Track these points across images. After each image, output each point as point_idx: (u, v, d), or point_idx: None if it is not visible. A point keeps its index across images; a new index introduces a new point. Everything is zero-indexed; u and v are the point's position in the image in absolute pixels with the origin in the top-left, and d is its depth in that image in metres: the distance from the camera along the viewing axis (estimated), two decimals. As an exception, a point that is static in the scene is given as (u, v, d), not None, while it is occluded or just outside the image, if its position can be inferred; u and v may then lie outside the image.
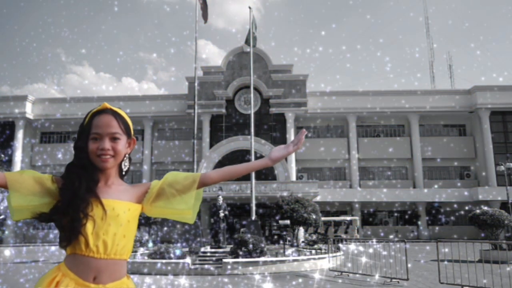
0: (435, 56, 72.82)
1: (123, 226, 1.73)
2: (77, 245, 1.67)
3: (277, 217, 21.32)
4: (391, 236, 34.78)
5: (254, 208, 19.83)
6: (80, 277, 1.66)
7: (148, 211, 1.85)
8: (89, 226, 1.66)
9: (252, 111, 22.08)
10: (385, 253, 11.94)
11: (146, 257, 14.27)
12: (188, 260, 13.46)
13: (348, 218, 34.41)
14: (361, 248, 15.97)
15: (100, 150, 1.73)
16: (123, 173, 1.88)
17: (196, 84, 21.38)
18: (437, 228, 36.87)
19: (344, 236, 29.85)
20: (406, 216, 38.96)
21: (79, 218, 1.65)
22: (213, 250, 15.43)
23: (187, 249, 14.79)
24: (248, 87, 34.02)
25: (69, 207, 1.66)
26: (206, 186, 1.89)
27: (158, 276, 12.40)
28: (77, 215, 1.65)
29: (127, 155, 1.86)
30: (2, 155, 34.52)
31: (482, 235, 16.06)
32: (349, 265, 12.48)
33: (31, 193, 1.68)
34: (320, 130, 40.90)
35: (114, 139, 1.76)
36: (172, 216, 1.87)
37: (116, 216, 1.71)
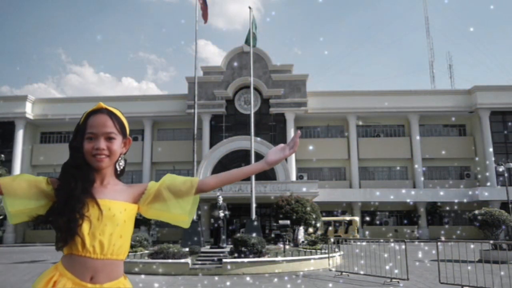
0: (435, 56, 72.81)
1: (119, 226, 1.73)
2: (74, 246, 1.67)
3: (277, 217, 21.34)
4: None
5: (254, 208, 19.82)
6: (77, 277, 1.66)
7: (144, 212, 1.87)
8: (85, 227, 1.66)
9: (252, 111, 22.08)
10: (385, 253, 11.93)
11: (146, 257, 14.26)
12: (188, 260, 13.46)
13: (348, 218, 34.40)
14: (361, 248, 15.95)
15: (95, 150, 1.73)
16: (118, 173, 1.88)
17: (196, 84, 21.38)
18: (437, 228, 36.85)
19: (344, 236, 29.84)
20: (406, 216, 38.96)
21: (75, 219, 1.65)
22: (213, 250, 15.43)
23: (187, 249, 14.78)
24: (248, 87, 34.00)
25: (65, 208, 1.66)
26: (203, 192, 1.89)
27: (158, 276, 12.40)
28: (73, 216, 1.65)
29: (122, 155, 1.86)
30: (2, 155, 34.50)
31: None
32: (349, 265, 12.48)
33: (27, 196, 1.68)
34: (320, 130, 40.89)
35: (109, 138, 1.76)
36: (168, 219, 1.88)
37: (112, 216, 1.71)
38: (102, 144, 1.74)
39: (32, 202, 1.68)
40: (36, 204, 1.69)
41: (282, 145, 1.93)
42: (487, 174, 37.05)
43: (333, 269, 12.90)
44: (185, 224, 1.88)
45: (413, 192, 37.12)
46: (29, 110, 39.67)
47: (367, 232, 36.38)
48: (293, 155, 37.10)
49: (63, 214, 1.65)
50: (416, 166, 38.36)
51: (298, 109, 37.75)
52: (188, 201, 1.85)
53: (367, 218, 38.40)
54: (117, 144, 1.79)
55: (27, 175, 1.73)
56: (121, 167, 1.88)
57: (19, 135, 39.27)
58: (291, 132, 37.66)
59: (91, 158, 1.74)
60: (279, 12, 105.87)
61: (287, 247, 16.07)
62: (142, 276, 12.45)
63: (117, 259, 1.74)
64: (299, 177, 38.20)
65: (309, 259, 14.17)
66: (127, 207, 1.78)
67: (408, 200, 36.74)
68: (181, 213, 1.84)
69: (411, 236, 35.79)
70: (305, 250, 16.39)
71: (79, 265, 1.67)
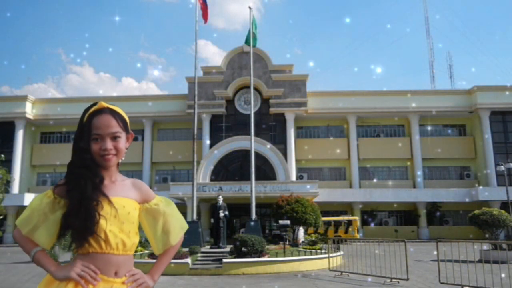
0: (435, 56, 72.79)
1: (134, 224, 1.80)
2: (95, 244, 1.70)
3: (277, 217, 21.32)
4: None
5: (254, 208, 19.81)
6: (104, 274, 1.70)
7: None
8: (103, 224, 1.70)
9: (252, 111, 22.08)
10: (385, 253, 11.93)
11: (146, 257, 14.26)
12: (188, 260, 13.46)
13: (348, 218, 34.39)
14: (361, 248, 15.95)
15: (102, 151, 1.78)
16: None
17: (196, 84, 21.37)
18: (437, 228, 36.84)
19: (344, 236, 29.82)
20: (406, 216, 38.93)
21: (92, 218, 1.69)
22: (213, 250, 15.42)
23: (187, 249, 14.78)
24: (248, 87, 33.99)
25: (80, 208, 1.69)
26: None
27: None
28: (90, 215, 1.68)
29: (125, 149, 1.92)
30: (2, 155, 34.40)
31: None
32: (349, 265, 12.48)
33: (51, 228, 1.76)
34: (320, 130, 40.88)
35: (114, 137, 1.81)
36: (147, 234, 1.96)
37: (127, 214, 1.78)
38: (109, 144, 1.79)
39: (56, 228, 1.74)
40: (55, 223, 1.75)
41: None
42: (487, 174, 37.04)
43: (333, 269, 12.89)
44: (155, 251, 1.96)
45: (413, 192, 37.11)
46: (29, 110, 39.63)
47: (367, 232, 36.36)
48: (293, 155, 37.12)
49: (79, 214, 1.68)
50: (416, 166, 38.36)
51: (298, 109, 37.74)
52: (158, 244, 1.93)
53: (367, 218, 38.38)
54: (123, 142, 1.85)
55: (37, 213, 1.75)
56: (122, 160, 1.93)
57: (19, 135, 39.25)
58: (291, 132, 37.67)
59: (99, 158, 1.79)
60: (279, 12, 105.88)
61: (287, 247, 16.05)
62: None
63: (131, 254, 1.82)
64: (299, 177, 38.18)
65: (309, 259, 14.17)
66: (136, 206, 1.85)
67: (408, 200, 36.75)
68: (156, 245, 1.92)
69: (411, 236, 35.77)
70: (305, 250, 16.38)
71: (102, 262, 1.71)
